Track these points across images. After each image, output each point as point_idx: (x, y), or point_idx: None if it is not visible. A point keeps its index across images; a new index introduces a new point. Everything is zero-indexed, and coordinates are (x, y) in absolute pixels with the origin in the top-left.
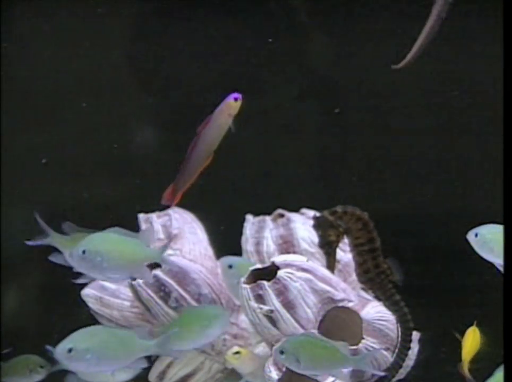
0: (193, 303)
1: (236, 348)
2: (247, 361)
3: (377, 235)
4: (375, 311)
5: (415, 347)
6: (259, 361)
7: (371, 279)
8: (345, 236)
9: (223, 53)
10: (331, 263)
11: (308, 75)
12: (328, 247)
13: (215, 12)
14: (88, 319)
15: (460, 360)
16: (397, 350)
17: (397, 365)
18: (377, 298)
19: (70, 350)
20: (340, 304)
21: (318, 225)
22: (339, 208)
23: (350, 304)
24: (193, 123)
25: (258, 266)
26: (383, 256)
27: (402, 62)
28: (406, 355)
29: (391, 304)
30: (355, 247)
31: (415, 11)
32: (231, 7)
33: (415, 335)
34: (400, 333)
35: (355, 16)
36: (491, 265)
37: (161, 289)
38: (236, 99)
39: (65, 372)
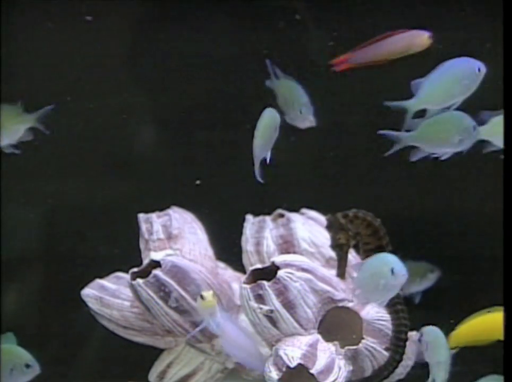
0: (193, 303)
1: (205, 293)
2: (203, 308)
3: (387, 243)
4: (375, 311)
5: (414, 347)
6: (214, 310)
7: None
8: (355, 240)
9: (223, 52)
10: (342, 266)
11: (308, 74)
12: (339, 250)
13: (216, 11)
14: (88, 319)
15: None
16: (387, 358)
17: (386, 371)
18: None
19: None
20: (340, 304)
21: (330, 226)
22: (351, 212)
23: (350, 304)
24: (192, 123)
25: (258, 266)
26: None
27: None
28: (395, 366)
29: (391, 312)
30: (364, 252)
31: (414, 11)
32: (231, 6)
33: (415, 335)
34: (391, 342)
35: (354, 14)
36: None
37: (161, 289)
38: (430, 37)
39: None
